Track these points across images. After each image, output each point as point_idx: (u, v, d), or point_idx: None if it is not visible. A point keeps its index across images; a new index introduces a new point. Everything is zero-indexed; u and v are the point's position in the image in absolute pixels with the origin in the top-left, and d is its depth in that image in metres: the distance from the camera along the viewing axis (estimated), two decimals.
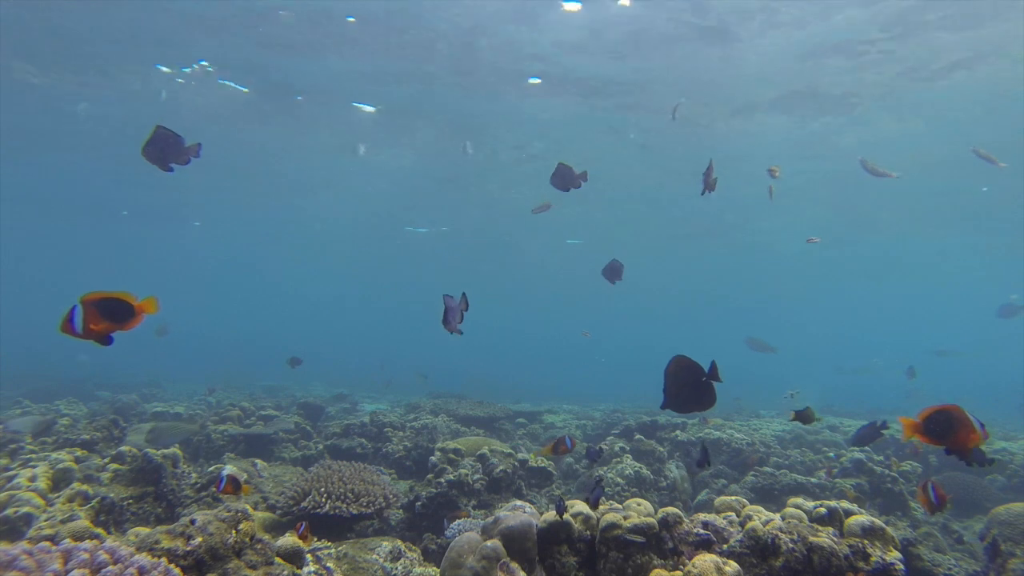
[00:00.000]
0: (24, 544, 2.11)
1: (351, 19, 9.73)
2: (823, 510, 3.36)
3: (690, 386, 2.56)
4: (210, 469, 5.46)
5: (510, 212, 20.23)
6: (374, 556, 3.88)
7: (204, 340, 44.30)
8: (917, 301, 36.14)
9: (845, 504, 3.43)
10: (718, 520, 3.41)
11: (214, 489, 4.92)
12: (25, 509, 4.19)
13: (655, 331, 59.17)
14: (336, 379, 19.94)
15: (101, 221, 25.58)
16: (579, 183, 4.89)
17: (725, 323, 46.62)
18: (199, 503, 4.91)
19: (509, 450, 6.37)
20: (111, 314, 2.53)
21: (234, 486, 3.94)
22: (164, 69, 11.54)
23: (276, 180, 18.83)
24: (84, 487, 4.60)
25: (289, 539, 3.36)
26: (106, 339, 2.56)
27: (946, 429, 2.63)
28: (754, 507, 3.52)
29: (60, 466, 4.96)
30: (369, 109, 13.32)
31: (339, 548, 3.94)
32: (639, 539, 3.21)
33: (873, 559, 2.91)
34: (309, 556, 3.59)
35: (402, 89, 12.22)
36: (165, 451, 5.18)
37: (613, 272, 5.83)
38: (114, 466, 5.00)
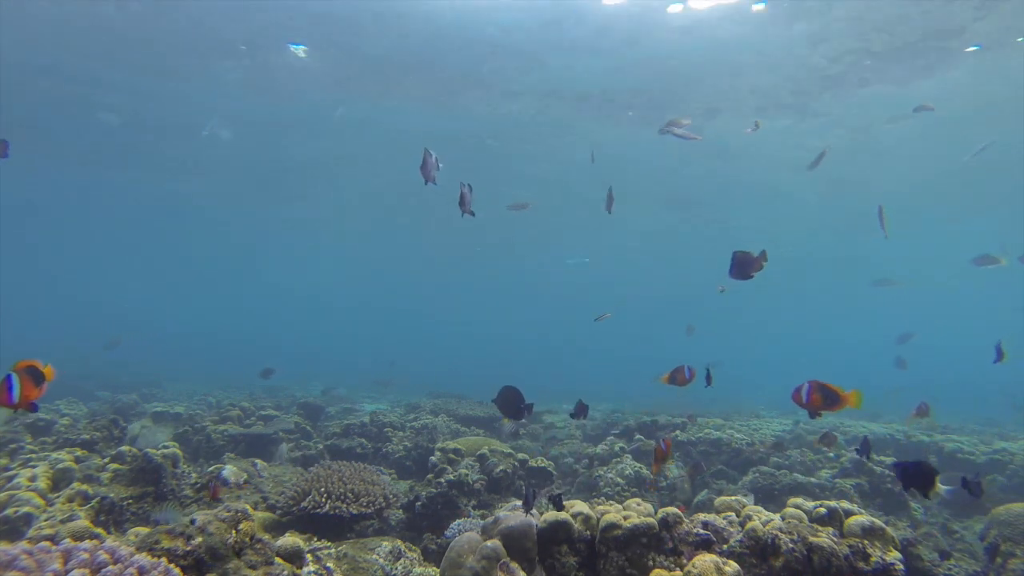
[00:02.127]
0: (24, 544, 2.11)
1: None
2: (823, 510, 3.36)
3: (511, 406, 3.88)
4: (210, 469, 5.46)
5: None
6: (374, 556, 3.88)
7: (204, 340, 44.31)
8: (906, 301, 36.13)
9: (845, 504, 3.43)
10: (718, 520, 3.41)
11: (207, 493, 4.91)
12: (25, 509, 4.19)
13: (656, 333, 59.12)
14: (338, 379, 19.87)
15: (102, 222, 25.58)
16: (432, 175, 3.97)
17: (725, 327, 46.64)
18: (199, 503, 4.91)
19: (509, 450, 6.37)
20: (37, 381, 2.50)
21: (221, 488, 3.99)
22: None
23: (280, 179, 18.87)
24: (84, 487, 4.60)
25: (289, 539, 3.36)
26: (32, 406, 2.53)
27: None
28: (754, 507, 3.52)
29: (60, 466, 4.96)
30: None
31: (339, 548, 3.93)
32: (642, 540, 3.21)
33: (873, 559, 2.91)
34: (309, 556, 3.59)
35: None
36: (165, 451, 5.18)
37: (428, 169, 3.96)
38: (114, 466, 4.99)
